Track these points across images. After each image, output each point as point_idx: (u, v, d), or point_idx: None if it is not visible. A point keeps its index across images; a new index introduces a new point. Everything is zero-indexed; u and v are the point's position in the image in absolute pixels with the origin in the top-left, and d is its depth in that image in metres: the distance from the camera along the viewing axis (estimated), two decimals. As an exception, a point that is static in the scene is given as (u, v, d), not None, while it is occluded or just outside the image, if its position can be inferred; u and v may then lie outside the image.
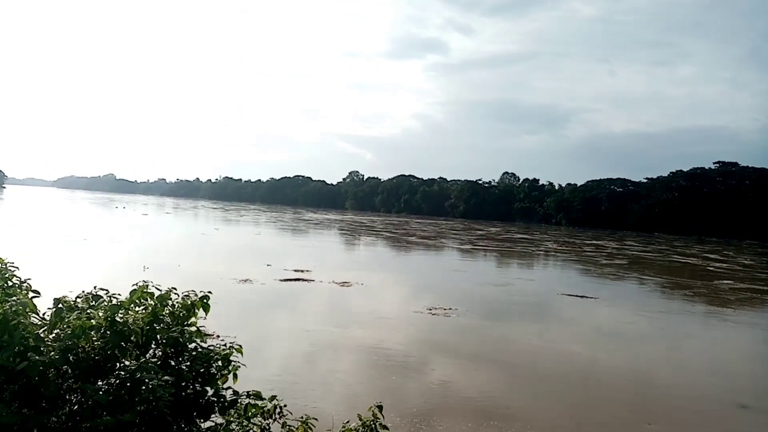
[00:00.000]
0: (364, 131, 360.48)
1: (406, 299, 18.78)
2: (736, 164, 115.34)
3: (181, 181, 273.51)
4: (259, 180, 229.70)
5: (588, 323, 16.51)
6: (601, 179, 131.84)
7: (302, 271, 22.65)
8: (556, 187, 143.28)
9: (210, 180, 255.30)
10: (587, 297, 20.48)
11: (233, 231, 51.32)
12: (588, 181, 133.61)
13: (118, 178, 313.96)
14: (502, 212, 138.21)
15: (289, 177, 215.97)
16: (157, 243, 33.70)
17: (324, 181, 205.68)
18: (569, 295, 20.71)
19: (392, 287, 21.85)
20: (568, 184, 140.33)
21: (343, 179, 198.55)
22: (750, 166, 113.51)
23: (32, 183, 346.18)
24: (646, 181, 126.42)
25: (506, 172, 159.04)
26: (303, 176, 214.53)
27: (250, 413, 4.17)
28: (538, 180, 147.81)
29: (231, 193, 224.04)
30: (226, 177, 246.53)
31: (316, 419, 4.35)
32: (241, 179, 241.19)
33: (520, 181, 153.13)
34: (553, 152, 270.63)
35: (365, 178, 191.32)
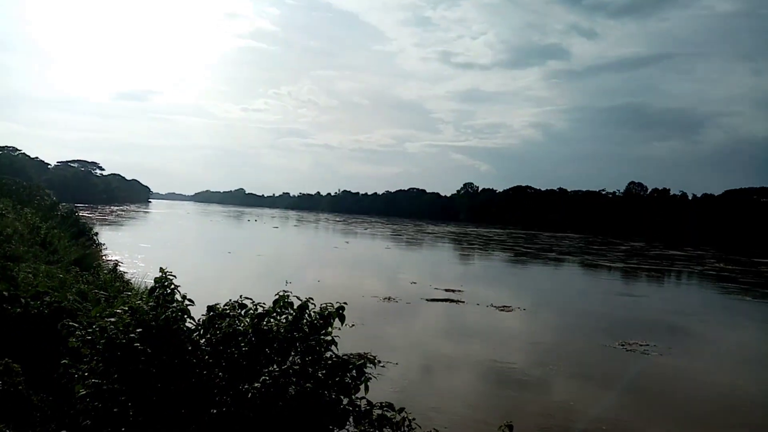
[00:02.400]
0: (479, 142, 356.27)
1: (581, 329, 16.71)
2: None
3: (303, 194, 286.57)
4: (375, 193, 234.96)
5: None
6: (741, 189, 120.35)
7: (452, 290, 21.21)
8: (690, 198, 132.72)
9: (329, 194, 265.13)
10: None
11: (363, 244, 52.43)
12: (726, 191, 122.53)
13: (247, 192, 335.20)
14: (627, 224, 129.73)
15: (404, 190, 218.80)
16: (294, 256, 35.03)
17: (438, 193, 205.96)
18: None
19: (558, 313, 19.60)
20: (704, 194, 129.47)
21: (457, 191, 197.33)
22: None
23: (173, 197, 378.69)
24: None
25: (632, 182, 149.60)
26: (417, 189, 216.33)
27: (382, 426, 4.21)
28: (669, 190, 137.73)
29: (349, 205, 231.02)
30: (345, 190, 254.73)
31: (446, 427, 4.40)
32: (358, 193, 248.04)
33: (649, 191, 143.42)
34: (686, 160, 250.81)
35: (480, 189, 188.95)
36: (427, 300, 18.98)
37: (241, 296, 4.55)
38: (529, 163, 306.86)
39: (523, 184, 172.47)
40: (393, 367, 10.85)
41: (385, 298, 18.55)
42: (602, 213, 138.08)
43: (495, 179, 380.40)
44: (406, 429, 4.30)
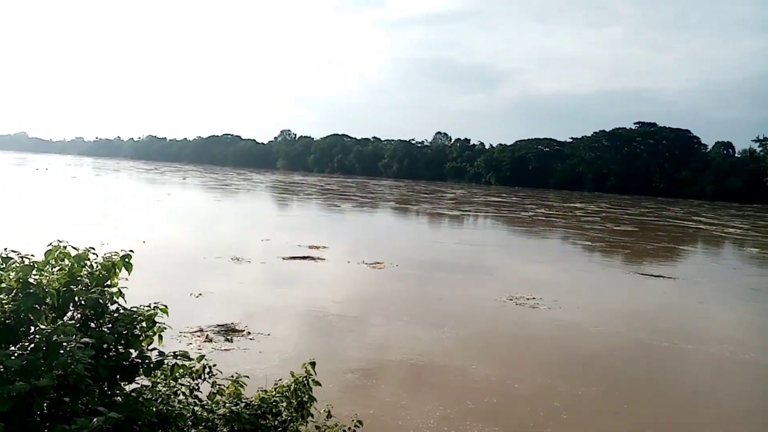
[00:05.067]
0: (299, 90, 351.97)
1: (464, 284, 15.77)
2: (654, 125, 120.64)
3: (101, 139, 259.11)
4: (185, 139, 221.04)
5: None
6: (529, 139, 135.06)
7: (315, 247, 19.59)
8: (487, 147, 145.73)
9: (132, 138, 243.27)
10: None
11: (188, 196, 47.57)
12: (516, 141, 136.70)
13: (30, 136, 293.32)
14: (435, 172, 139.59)
15: (217, 135, 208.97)
16: (107, 212, 28.97)
17: (254, 140, 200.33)
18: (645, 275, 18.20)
19: (433, 267, 18.08)
20: (499, 145, 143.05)
21: (275, 138, 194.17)
22: (667, 126, 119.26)
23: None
24: (571, 140, 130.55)
25: (439, 132, 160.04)
26: (232, 135, 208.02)
27: (177, 374, 4.10)
28: (470, 140, 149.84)
29: (155, 152, 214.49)
30: (150, 135, 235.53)
31: (248, 377, 4.33)
32: (165, 138, 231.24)
33: (452, 141, 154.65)
34: (487, 112, 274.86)
35: (298, 137, 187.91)
36: (284, 259, 17.36)
37: (5, 249, 3.97)
38: (347, 111, 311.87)
39: (340, 132, 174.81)
40: (264, 339, 9.95)
41: (234, 259, 16.73)
42: (413, 162, 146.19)
43: (313, 127, 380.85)
44: (206, 376, 4.22)
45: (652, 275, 18.14)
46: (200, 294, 12.53)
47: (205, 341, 9.60)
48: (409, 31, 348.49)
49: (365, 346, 10.01)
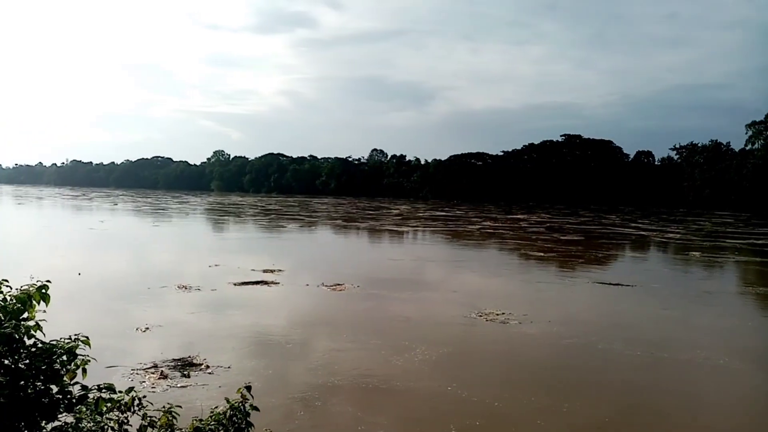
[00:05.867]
0: (228, 108, 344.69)
1: (430, 302, 15.32)
2: (580, 137, 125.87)
3: (21, 166, 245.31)
4: (113, 162, 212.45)
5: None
6: (462, 154, 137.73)
7: (268, 271, 18.69)
8: (422, 163, 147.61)
9: (55, 164, 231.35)
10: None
11: (123, 222, 44.70)
12: (450, 156, 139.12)
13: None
14: (372, 189, 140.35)
15: (147, 158, 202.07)
16: (36, 243, 27.42)
17: (186, 161, 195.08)
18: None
19: (396, 287, 17.39)
20: (433, 160, 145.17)
21: (208, 159, 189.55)
22: (591, 138, 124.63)
23: None
24: (501, 154, 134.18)
25: (375, 149, 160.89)
26: (162, 157, 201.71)
27: (103, 408, 3.82)
28: (405, 156, 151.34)
29: (81, 177, 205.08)
30: (74, 160, 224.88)
31: (180, 407, 4.10)
32: (91, 162, 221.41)
33: (389, 157, 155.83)
34: (420, 129, 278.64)
35: (231, 157, 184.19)
36: (236, 285, 16.36)
37: None
38: (280, 130, 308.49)
39: (276, 152, 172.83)
40: (225, 372, 9.22)
41: (181, 287, 15.64)
42: (350, 179, 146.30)
43: (247, 147, 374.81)
44: (136, 408, 3.96)
45: (611, 284, 18.33)
46: (147, 328, 11.67)
47: (159, 378, 8.84)
48: (340, 51, 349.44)
49: (334, 373, 9.40)
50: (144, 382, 8.62)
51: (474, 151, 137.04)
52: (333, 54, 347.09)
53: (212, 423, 4.08)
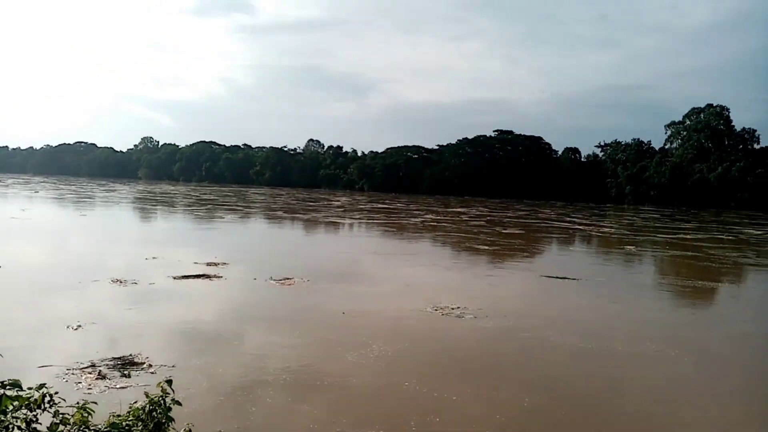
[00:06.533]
0: (160, 94, 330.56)
1: (384, 296, 14.89)
2: (511, 132, 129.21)
3: None
4: (32, 147, 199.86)
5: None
6: (399, 146, 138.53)
7: (212, 264, 17.65)
8: (359, 154, 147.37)
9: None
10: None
11: (48, 211, 41.52)
12: (387, 148, 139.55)
13: None
14: (308, 179, 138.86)
15: (69, 143, 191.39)
16: None
17: (112, 148, 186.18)
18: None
19: (347, 280, 17.04)
20: (371, 152, 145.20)
21: (135, 146, 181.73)
22: (523, 134, 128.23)
23: None
24: (437, 147, 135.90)
25: (311, 139, 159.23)
26: (86, 142, 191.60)
27: (8, 406, 3.55)
28: (342, 147, 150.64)
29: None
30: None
31: (96, 403, 3.85)
32: (7, 146, 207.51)
33: (325, 148, 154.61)
34: (358, 120, 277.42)
35: (161, 144, 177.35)
36: (176, 278, 15.40)
37: None
38: (214, 117, 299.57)
39: (208, 140, 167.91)
40: (169, 371, 8.51)
41: (116, 281, 14.51)
42: (286, 169, 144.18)
43: (178, 134, 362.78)
44: (47, 406, 3.69)
45: (558, 277, 18.63)
46: (80, 325, 10.71)
47: (97, 379, 8.17)
48: (278, 38, 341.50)
49: (288, 370, 8.95)
50: (80, 383, 7.96)
51: (411, 144, 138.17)
52: (270, 41, 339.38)
53: (130, 418, 3.92)
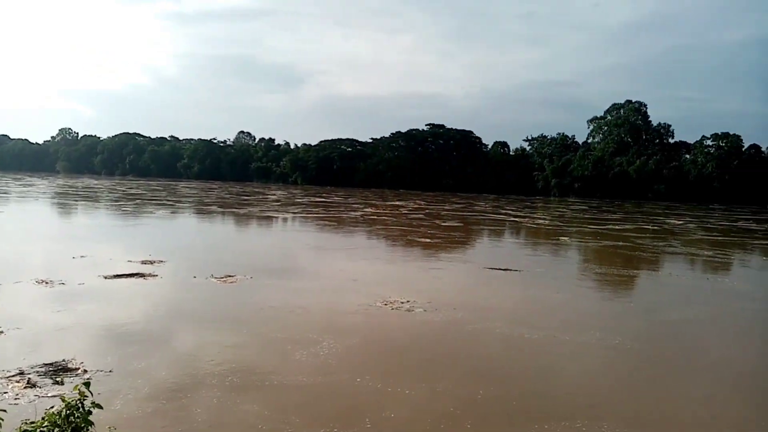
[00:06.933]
0: (80, 84, 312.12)
1: (331, 291, 14.52)
2: (443, 126, 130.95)
3: None
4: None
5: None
6: (333, 139, 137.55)
7: (147, 262, 16.74)
8: (292, 147, 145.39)
9: None
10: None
11: None
12: (321, 141, 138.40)
13: None
14: (239, 172, 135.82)
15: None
16: None
17: (27, 139, 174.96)
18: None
19: (291, 276, 16.54)
20: (303, 144, 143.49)
21: (52, 137, 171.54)
22: (454, 128, 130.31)
23: None
24: (371, 141, 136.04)
25: (242, 131, 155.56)
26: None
27: None
28: (275, 140, 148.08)
29: None
30: None
31: (5, 410, 3.80)
32: None
33: (257, 140, 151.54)
34: (290, 112, 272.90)
35: (80, 136, 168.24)
36: (107, 278, 14.51)
37: None
38: (138, 108, 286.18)
39: (132, 131, 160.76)
40: (106, 377, 8.00)
41: (40, 282, 13.54)
42: (216, 162, 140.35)
43: (100, 125, 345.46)
44: None
45: (500, 269, 18.96)
46: (1, 331, 9.90)
47: (26, 387, 7.62)
48: (208, 27, 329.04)
49: (235, 371, 8.60)
50: (6, 393, 7.38)
51: (345, 137, 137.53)
52: (198, 30, 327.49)
53: (45, 425, 3.77)
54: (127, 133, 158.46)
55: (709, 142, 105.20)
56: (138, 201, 50.86)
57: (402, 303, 13.26)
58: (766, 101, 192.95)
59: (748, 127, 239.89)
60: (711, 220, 50.99)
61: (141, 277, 15.06)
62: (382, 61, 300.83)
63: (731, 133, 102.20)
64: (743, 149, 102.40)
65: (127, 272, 15.45)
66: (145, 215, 37.22)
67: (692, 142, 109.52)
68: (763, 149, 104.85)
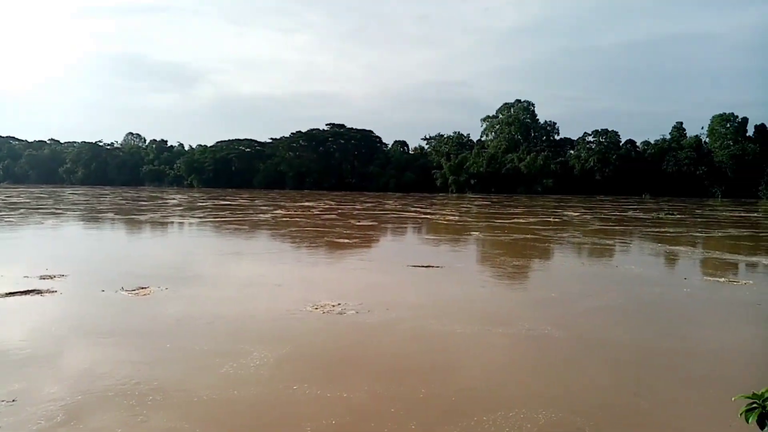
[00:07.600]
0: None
1: (254, 298, 13.98)
2: (344, 126, 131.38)
3: None
4: None
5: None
6: (230, 140, 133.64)
7: (46, 277, 15.27)
8: (187, 148, 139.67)
9: None
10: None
11: None
12: (217, 142, 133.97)
13: None
14: (129, 176, 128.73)
15: None
16: None
17: None
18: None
19: (209, 285, 15.58)
20: (199, 145, 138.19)
21: None
22: (355, 127, 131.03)
23: None
24: (271, 141, 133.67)
25: (131, 133, 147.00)
26: None
27: None
28: (167, 141, 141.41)
29: None
30: None
31: None
32: None
33: (147, 142, 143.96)
34: (183, 112, 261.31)
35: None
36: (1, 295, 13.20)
37: None
38: (11, 110, 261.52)
39: (5, 134, 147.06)
40: (8, 408, 7.11)
41: None
42: (102, 165, 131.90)
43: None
44: None
45: (422, 266, 18.99)
46: None
47: None
48: (91, 22, 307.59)
49: (159, 390, 7.91)
50: None
51: (243, 137, 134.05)
52: (79, 25, 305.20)
53: None
54: (0, 136, 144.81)
55: (590, 138, 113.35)
56: (22, 210, 46.45)
57: (332, 306, 12.89)
58: (637, 100, 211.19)
59: (624, 123, 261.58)
60: (604, 212, 54.69)
61: (38, 294, 13.55)
62: (279, 60, 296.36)
63: (610, 129, 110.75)
64: (621, 144, 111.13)
65: (21, 289, 13.88)
66: (34, 226, 33.77)
67: (576, 139, 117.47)
68: (638, 144, 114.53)
